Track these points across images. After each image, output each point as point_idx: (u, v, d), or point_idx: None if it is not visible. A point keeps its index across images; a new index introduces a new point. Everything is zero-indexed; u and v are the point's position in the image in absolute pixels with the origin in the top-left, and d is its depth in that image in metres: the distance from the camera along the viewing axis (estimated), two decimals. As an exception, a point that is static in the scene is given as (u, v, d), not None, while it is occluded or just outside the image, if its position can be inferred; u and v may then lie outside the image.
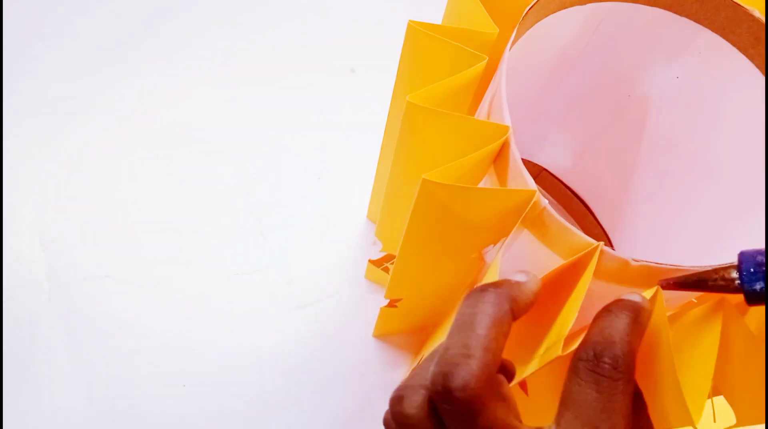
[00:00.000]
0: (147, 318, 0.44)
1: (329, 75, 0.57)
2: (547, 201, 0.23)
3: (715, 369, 0.22)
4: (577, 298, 0.22)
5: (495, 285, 0.21)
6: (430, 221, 0.26)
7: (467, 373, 0.18)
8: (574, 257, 0.23)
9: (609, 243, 0.46)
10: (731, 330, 0.23)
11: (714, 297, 0.23)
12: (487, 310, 0.20)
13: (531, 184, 0.24)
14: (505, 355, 0.23)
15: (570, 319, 0.22)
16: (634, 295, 0.22)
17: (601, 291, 0.24)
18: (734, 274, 0.20)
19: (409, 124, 0.26)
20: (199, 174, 0.51)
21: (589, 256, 0.23)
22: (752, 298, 0.20)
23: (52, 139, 0.51)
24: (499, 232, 0.27)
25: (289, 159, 0.52)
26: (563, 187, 0.48)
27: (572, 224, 0.24)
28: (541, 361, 0.23)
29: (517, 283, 0.22)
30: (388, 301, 0.38)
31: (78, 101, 0.53)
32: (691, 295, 0.25)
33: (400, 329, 0.45)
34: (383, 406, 0.44)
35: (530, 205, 0.24)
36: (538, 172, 0.49)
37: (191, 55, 0.57)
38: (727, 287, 0.20)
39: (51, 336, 0.43)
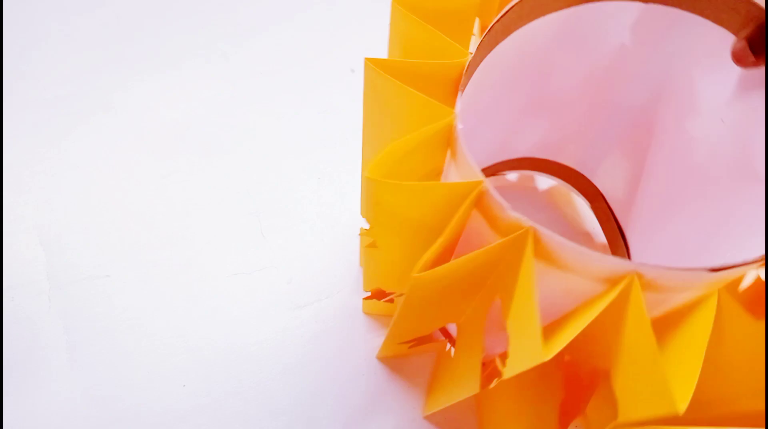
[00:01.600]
0: (147, 318, 0.44)
1: (329, 75, 0.57)
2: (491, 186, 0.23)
3: (710, 359, 0.21)
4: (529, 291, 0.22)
5: None
6: (381, 215, 0.26)
7: None
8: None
9: (627, 249, 0.46)
10: (726, 320, 0.23)
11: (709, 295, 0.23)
12: None
13: (479, 176, 0.24)
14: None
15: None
16: None
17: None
18: None
19: (373, 198, 0.26)
20: (199, 174, 0.51)
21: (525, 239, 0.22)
22: None
23: (52, 139, 0.51)
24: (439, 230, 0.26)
25: (289, 159, 0.52)
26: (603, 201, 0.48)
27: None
28: (525, 365, 0.23)
29: None
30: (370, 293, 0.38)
31: (78, 101, 0.53)
32: (680, 298, 0.24)
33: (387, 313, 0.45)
34: (383, 406, 0.44)
35: (473, 195, 0.24)
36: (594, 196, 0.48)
37: (190, 56, 0.57)
38: None
39: (51, 336, 0.43)
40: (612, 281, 0.23)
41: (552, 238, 0.22)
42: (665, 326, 0.24)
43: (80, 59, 0.55)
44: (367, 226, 0.41)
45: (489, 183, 0.23)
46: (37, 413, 0.41)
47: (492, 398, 0.38)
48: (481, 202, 0.24)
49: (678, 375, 0.21)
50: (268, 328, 0.45)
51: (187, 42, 0.58)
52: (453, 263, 0.24)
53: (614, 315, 0.23)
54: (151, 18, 0.58)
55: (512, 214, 0.23)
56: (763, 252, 0.23)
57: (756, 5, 0.27)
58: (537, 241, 0.23)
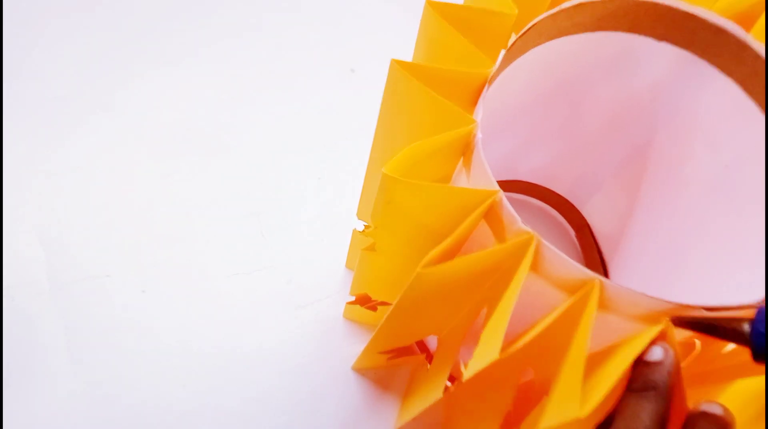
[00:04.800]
0: (147, 318, 0.44)
1: (329, 75, 0.57)
2: (505, 197, 0.24)
3: None
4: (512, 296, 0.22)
5: (648, 385, 0.22)
6: (390, 215, 0.26)
7: None
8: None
9: (604, 269, 0.46)
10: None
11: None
12: (650, 408, 0.21)
13: (494, 186, 0.24)
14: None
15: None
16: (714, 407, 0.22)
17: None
18: (746, 328, 0.20)
19: (386, 196, 0.26)
20: (199, 174, 0.51)
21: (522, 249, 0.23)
22: (758, 357, 0.20)
23: (52, 139, 0.51)
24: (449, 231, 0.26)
25: (289, 159, 0.52)
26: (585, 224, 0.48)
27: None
28: (481, 363, 0.23)
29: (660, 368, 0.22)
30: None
31: (78, 101, 0.53)
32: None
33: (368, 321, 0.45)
34: (383, 406, 0.44)
35: (488, 203, 0.24)
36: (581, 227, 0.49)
37: (191, 56, 0.57)
38: (737, 338, 0.20)
39: (51, 336, 0.43)
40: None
41: (550, 249, 0.22)
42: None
43: (80, 59, 0.55)
44: (360, 228, 0.41)
45: (503, 194, 0.24)
46: (37, 413, 0.41)
47: (454, 409, 0.38)
48: (491, 212, 0.25)
49: (594, 383, 0.22)
50: (268, 328, 0.45)
51: (187, 42, 0.58)
52: (458, 261, 0.24)
53: (570, 324, 0.23)
54: (151, 18, 0.58)
55: (522, 226, 0.23)
56: (760, 295, 0.23)
57: (762, 60, 0.27)
58: (536, 250, 0.23)
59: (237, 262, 0.47)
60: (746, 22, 0.28)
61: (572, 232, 0.49)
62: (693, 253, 0.36)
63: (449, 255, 0.26)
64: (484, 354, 0.22)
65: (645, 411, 0.21)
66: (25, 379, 0.42)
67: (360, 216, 0.41)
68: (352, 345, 0.45)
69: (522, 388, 0.31)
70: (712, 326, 0.21)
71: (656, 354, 0.22)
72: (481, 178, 0.25)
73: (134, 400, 0.42)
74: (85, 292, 0.45)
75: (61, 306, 0.44)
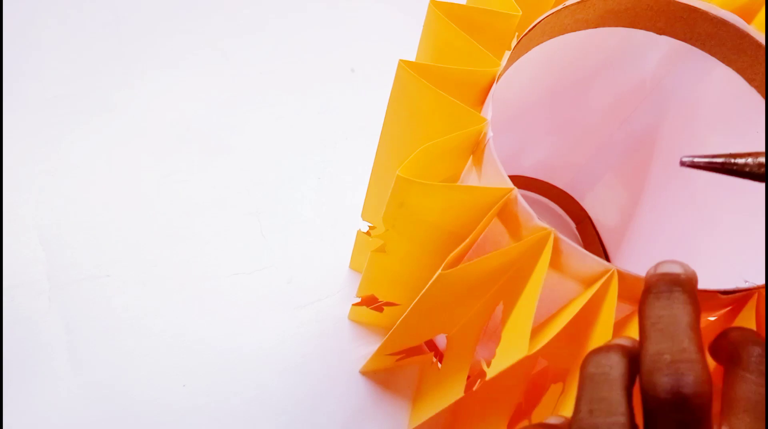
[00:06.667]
0: (147, 318, 0.44)
1: (329, 75, 0.57)
2: (520, 196, 0.24)
3: None
4: (534, 291, 0.22)
5: (674, 283, 0.19)
6: (402, 217, 0.26)
7: (699, 378, 0.17)
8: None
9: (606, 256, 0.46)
10: None
11: None
12: (687, 311, 0.19)
13: (507, 182, 0.24)
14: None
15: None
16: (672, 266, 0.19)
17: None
18: (762, 160, 0.19)
19: (398, 198, 0.26)
20: (199, 174, 0.51)
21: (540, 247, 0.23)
22: None
23: (52, 138, 0.51)
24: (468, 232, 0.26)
25: (289, 159, 0.52)
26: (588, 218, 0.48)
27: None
28: (508, 360, 0.23)
29: (689, 278, 0.20)
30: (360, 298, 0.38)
31: (78, 101, 0.53)
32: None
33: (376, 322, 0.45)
34: (383, 406, 0.44)
35: (502, 201, 0.24)
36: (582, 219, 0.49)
37: (191, 56, 0.57)
38: (752, 173, 0.19)
39: (51, 336, 0.43)
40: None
41: (568, 244, 0.23)
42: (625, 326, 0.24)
43: (80, 59, 0.55)
44: (365, 229, 0.41)
45: (518, 192, 0.24)
46: (37, 413, 0.41)
47: (462, 404, 0.38)
48: (506, 210, 0.25)
49: None
50: (268, 328, 0.45)
51: (187, 42, 0.58)
52: (479, 261, 0.24)
53: (590, 315, 0.23)
54: (151, 18, 0.58)
55: (539, 223, 0.23)
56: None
57: (762, 48, 0.28)
58: (554, 246, 0.23)
59: (237, 262, 0.47)
60: (746, 17, 0.29)
61: (573, 225, 0.49)
62: (698, 246, 0.36)
63: (464, 254, 0.26)
64: (510, 351, 0.22)
65: (677, 305, 0.19)
66: (25, 379, 0.42)
67: (365, 217, 0.41)
68: (353, 345, 0.45)
69: (533, 376, 0.31)
70: (727, 163, 0.19)
71: (675, 267, 0.20)
72: (494, 176, 0.25)
73: (134, 399, 0.42)
74: (85, 292, 0.45)
75: (61, 306, 0.44)
